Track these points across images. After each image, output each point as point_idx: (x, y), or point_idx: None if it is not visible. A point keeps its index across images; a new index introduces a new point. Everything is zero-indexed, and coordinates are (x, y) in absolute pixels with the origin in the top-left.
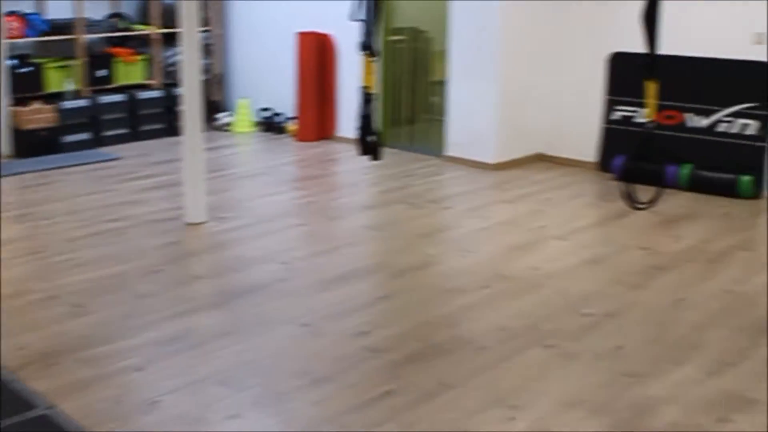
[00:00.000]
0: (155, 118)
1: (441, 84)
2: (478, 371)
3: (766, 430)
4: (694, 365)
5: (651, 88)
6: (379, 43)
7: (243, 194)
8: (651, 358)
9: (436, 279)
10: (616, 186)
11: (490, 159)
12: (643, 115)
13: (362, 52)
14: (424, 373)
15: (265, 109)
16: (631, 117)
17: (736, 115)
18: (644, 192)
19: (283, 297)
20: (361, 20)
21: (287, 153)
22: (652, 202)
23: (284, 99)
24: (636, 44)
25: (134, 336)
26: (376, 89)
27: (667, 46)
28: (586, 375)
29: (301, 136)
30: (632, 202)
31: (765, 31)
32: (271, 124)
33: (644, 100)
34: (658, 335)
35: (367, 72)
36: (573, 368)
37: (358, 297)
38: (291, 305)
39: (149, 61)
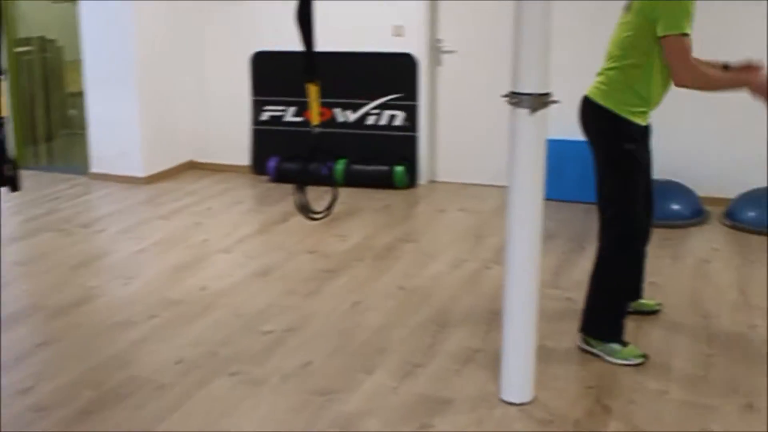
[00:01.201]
0: None
1: (78, 96)
2: (162, 414)
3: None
4: (384, 371)
5: (312, 91)
6: (3, 59)
7: None
8: (340, 371)
9: (100, 314)
10: (274, 189)
11: (140, 172)
12: (309, 120)
13: None
14: (102, 426)
15: None
16: (280, 117)
17: (383, 107)
18: (311, 193)
19: None
20: None
21: None
22: (329, 209)
23: None
24: (277, 42)
25: None
26: (5, 111)
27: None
28: (277, 401)
29: None
30: (308, 213)
31: (404, 23)
32: None
33: (298, 104)
34: (343, 344)
35: None
36: (263, 395)
37: (13, 347)
38: None
39: None
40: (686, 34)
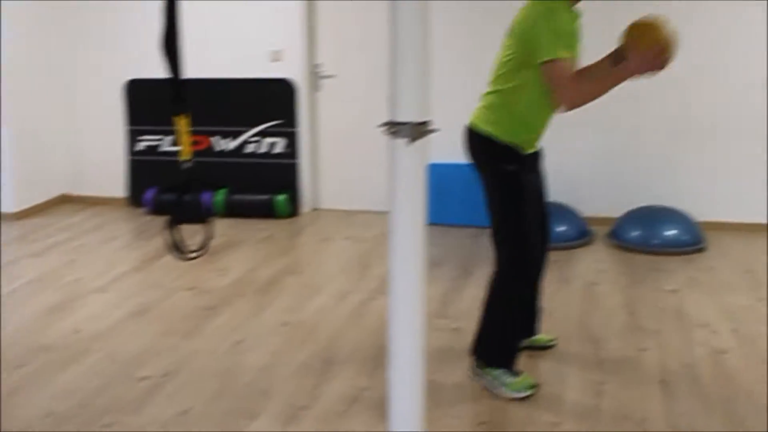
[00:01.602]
0: None
1: None
2: None
3: None
4: (268, 416)
5: (182, 124)
6: None
7: None
8: (222, 417)
9: None
10: (151, 222)
11: (10, 208)
12: (178, 154)
13: None
14: None
15: None
16: (156, 146)
17: (263, 134)
18: (187, 231)
19: None
20: None
21: None
22: (203, 248)
23: None
24: (152, 70)
25: None
26: None
27: (186, 69)
28: None
29: None
30: (182, 253)
31: (282, 48)
32: None
33: (174, 134)
34: (224, 387)
35: None
36: None
37: None
38: None
39: None
40: (563, 58)
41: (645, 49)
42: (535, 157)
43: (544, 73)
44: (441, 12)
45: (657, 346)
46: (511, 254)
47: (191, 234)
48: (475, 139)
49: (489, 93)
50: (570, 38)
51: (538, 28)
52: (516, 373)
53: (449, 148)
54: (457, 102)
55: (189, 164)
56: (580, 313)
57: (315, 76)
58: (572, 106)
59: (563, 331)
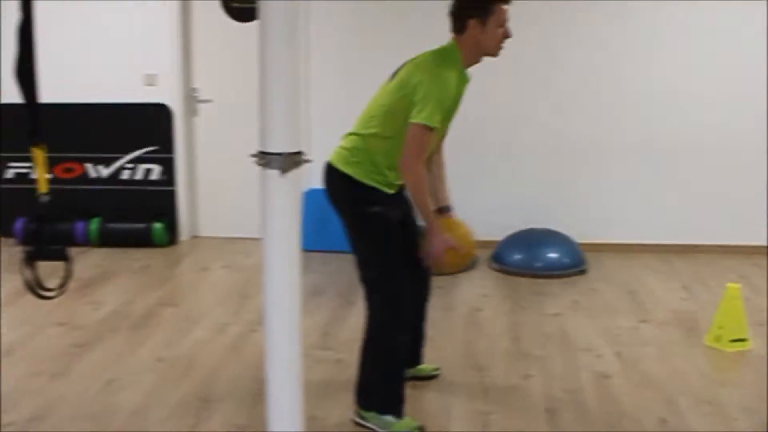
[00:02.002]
0: None
1: None
2: None
3: None
4: None
5: (39, 156)
6: None
7: None
8: None
9: None
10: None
11: None
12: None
13: None
14: None
15: None
16: (26, 174)
17: (138, 160)
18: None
19: None
20: None
21: None
22: (63, 286)
23: None
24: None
25: None
26: None
27: (54, 94)
28: None
29: None
30: (39, 290)
31: (157, 72)
32: None
33: (54, 156)
34: None
35: None
36: None
37: None
38: None
39: None
40: (433, 128)
41: (448, 238)
42: (399, 192)
43: (411, 131)
44: (320, 38)
45: (542, 373)
46: (383, 299)
47: (57, 269)
48: (336, 180)
49: (354, 134)
50: (452, 106)
51: (426, 90)
52: (400, 416)
53: None
54: (337, 127)
55: (46, 198)
56: (464, 341)
57: (192, 100)
58: (405, 174)
59: (447, 359)
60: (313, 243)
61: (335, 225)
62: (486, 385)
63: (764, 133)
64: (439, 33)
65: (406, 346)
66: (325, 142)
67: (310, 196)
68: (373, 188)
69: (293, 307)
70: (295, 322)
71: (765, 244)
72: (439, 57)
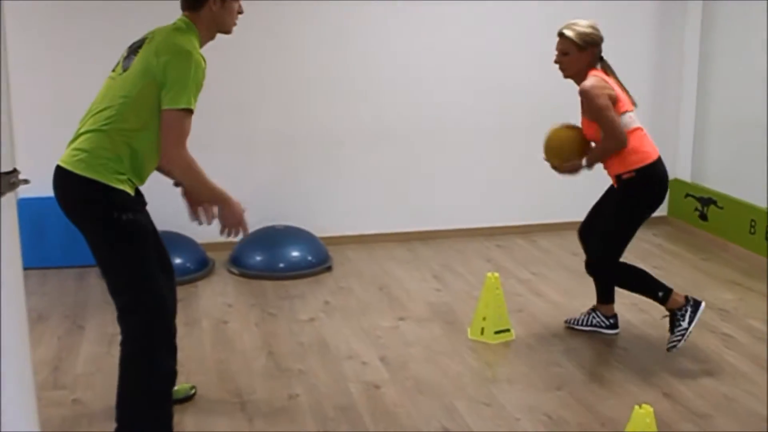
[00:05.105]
0: None
1: None
2: None
3: None
4: None
5: None
6: None
7: None
8: None
9: None
10: None
11: None
12: None
13: None
14: None
15: None
16: None
17: None
18: None
19: None
20: None
21: None
22: None
23: None
24: None
25: None
26: None
27: None
28: None
29: None
30: None
31: None
32: None
33: None
34: None
35: None
36: None
37: None
38: None
39: None
40: (191, 111)
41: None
42: (138, 194)
43: (167, 119)
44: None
45: (308, 390)
46: (144, 317)
47: None
48: (76, 186)
49: (90, 132)
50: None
51: (177, 72)
52: None
53: (42, 180)
54: (49, 132)
55: None
56: (215, 361)
57: None
58: (175, 168)
59: (202, 385)
60: (27, 260)
61: (52, 237)
62: (249, 411)
63: (496, 118)
64: (154, 17)
65: (175, 372)
66: (39, 151)
67: (21, 206)
68: (121, 191)
69: (22, 350)
70: (25, 369)
71: (505, 224)
72: (180, 35)
